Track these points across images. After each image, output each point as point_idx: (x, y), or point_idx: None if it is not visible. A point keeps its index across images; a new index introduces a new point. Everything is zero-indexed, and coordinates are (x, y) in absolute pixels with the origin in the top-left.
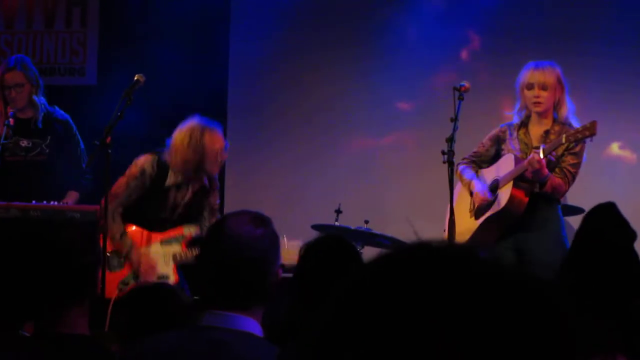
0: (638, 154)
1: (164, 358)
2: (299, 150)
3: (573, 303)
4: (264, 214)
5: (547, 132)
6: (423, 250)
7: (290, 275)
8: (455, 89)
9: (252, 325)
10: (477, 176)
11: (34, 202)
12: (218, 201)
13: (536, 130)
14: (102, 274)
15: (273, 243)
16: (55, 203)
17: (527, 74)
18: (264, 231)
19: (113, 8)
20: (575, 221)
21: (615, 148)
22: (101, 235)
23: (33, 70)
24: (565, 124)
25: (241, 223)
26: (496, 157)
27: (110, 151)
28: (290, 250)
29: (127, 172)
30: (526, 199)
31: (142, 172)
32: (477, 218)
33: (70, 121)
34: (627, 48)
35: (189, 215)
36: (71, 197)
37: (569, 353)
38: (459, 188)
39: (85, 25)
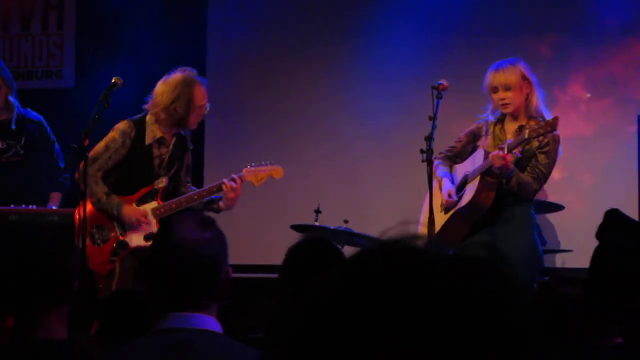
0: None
1: None
2: (278, 149)
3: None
4: (208, 216)
5: (521, 127)
6: (393, 252)
7: (275, 275)
8: (433, 87)
9: (212, 323)
10: (451, 172)
11: (12, 206)
12: (190, 159)
13: (511, 126)
14: (85, 273)
15: (221, 244)
16: (34, 207)
17: (490, 77)
18: (211, 234)
19: (89, 10)
20: (556, 219)
21: None
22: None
23: (7, 72)
24: (539, 118)
25: (189, 228)
26: (472, 153)
27: (87, 154)
28: None
29: (106, 137)
30: (492, 193)
31: (122, 133)
32: (445, 213)
33: (44, 122)
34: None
35: (171, 171)
36: (55, 199)
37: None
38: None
39: (62, 28)
